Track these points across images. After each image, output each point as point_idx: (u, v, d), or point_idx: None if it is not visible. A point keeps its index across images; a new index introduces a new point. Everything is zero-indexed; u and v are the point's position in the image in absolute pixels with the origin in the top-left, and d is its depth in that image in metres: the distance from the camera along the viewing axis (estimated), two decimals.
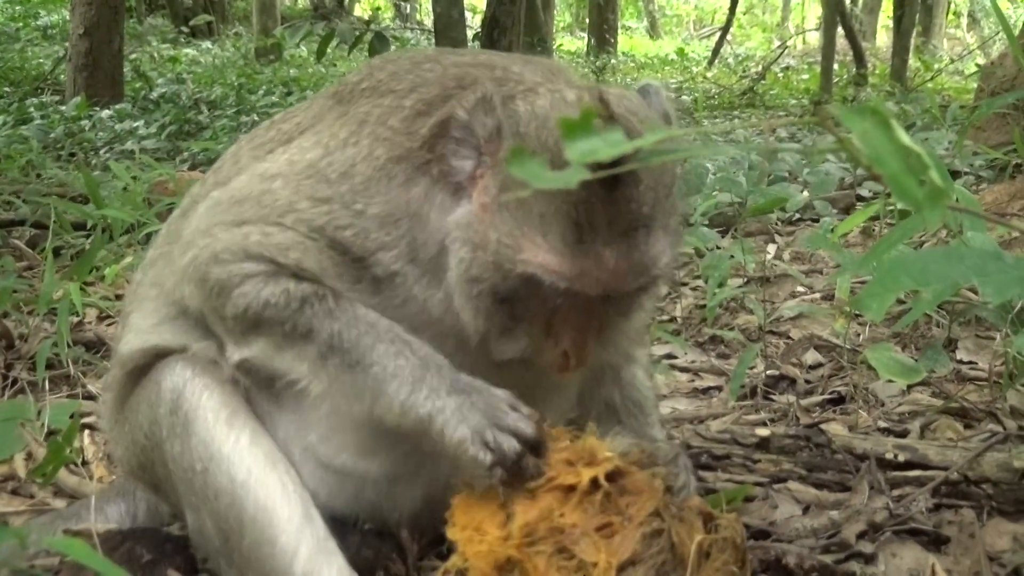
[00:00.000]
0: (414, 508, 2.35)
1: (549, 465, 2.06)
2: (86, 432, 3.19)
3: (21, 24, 21.34)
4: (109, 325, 4.32)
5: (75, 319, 4.02)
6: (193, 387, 2.26)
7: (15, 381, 3.63)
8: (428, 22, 19.00)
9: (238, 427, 2.23)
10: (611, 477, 2.05)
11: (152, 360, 2.38)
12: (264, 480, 2.19)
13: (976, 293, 3.99)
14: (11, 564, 2.32)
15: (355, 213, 2.18)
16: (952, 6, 33.61)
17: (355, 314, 2.18)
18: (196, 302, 2.29)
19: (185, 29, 21.40)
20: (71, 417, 3.14)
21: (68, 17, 12.53)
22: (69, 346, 3.74)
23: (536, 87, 2.14)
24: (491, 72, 2.24)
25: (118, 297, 4.53)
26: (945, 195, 1.26)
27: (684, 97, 16.20)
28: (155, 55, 17.06)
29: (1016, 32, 8.72)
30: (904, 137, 1.28)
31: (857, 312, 4.04)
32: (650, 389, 2.67)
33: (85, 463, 3.12)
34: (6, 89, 12.20)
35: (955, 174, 6.70)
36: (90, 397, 3.53)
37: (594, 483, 2.03)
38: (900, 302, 4.06)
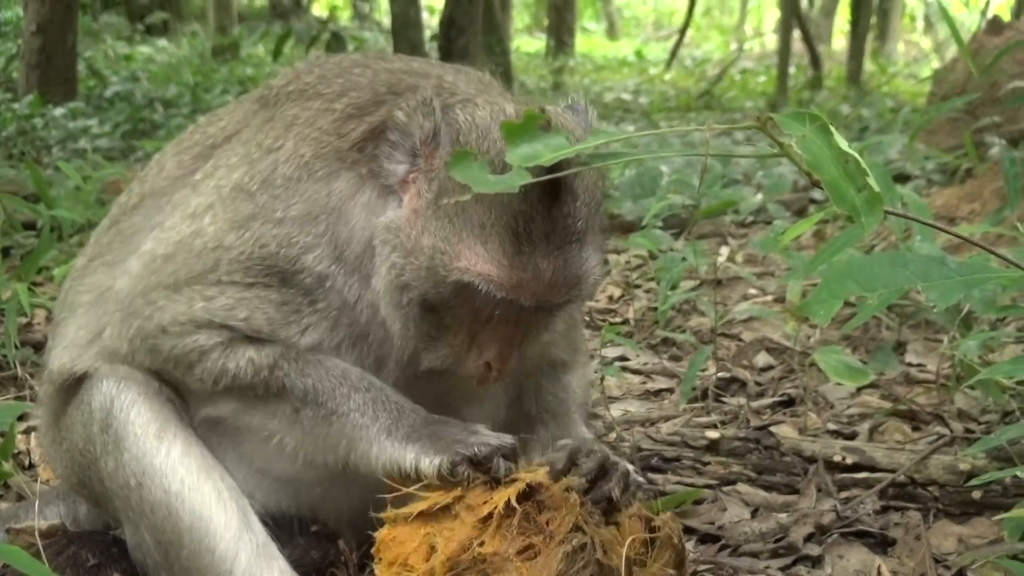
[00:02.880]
0: (353, 508, 2.33)
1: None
2: (32, 435, 3.15)
3: None
4: None
5: (23, 320, 3.98)
6: (121, 403, 2.24)
7: None
8: (386, 22, 18.92)
9: (168, 439, 2.22)
10: (527, 495, 2.05)
11: (83, 376, 2.35)
12: (198, 489, 2.19)
13: (922, 296, 4.04)
14: None
15: (276, 222, 2.17)
16: (907, 10, 33.93)
17: (325, 367, 2.20)
18: (152, 366, 2.28)
19: (140, 26, 21.23)
20: (21, 418, 3.11)
21: (21, 14, 12.36)
22: (16, 347, 3.71)
23: (473, 98, 2.14)
24: (425, 80, 2.23)
25: None
26: (881, 201, 1.28)
27: (641, 100, 16.28)
28: (110, 53, 16.91)
29: (968, 37, 8.81)
30: (843, 143, 1.29)
31: (805, 316, 4.08)
32: (578, 393, 2.64)
33: (32, 465, 3.08)
34: None
35: (906, 177, 6.76)
36: (37, 400, 3.50)
37: (510, 505, 2.03)
38: (850, 305, 4.10)
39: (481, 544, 2.03)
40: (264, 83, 2.51)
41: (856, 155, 1.25)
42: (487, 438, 2.08)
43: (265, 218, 2.17)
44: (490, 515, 2.03)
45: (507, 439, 2.09)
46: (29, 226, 5.37)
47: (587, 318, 4.43)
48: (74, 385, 2.36)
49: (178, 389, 2.30)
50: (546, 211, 1.97)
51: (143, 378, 2.28)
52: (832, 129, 1.28)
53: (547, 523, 2.05)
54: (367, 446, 2.15)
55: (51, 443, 2.53)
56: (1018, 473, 2.36)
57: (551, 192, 1.95)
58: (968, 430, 3.13)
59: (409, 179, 2.10)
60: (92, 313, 2.39)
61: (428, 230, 2.04)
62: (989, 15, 11.93)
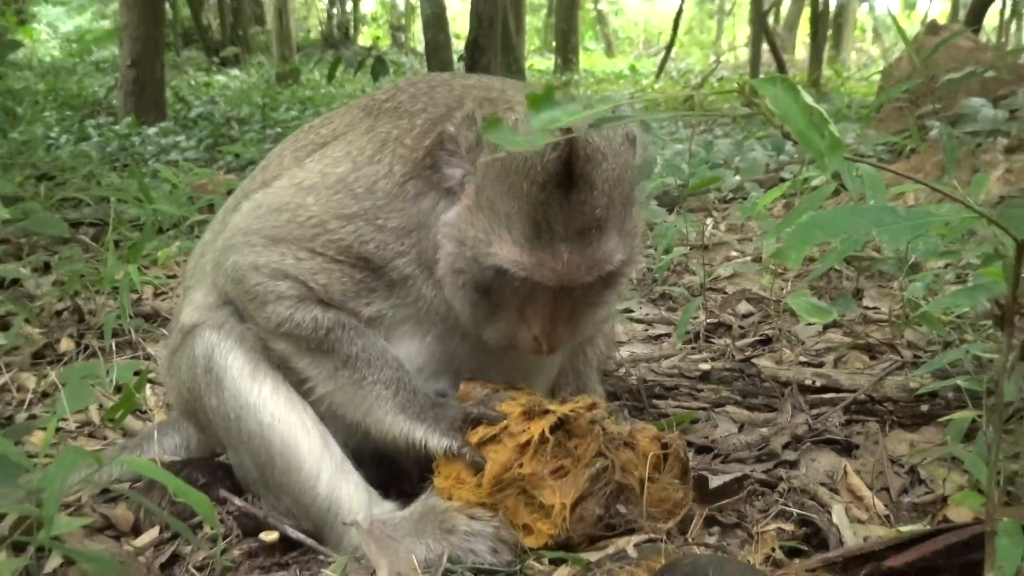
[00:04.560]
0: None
1: (508, 414, 2.14)
2: (147, 386, 3.20)
3: (77, 59, 21.19)
4: (163, 300, 4.34)
5: (134, 296, 4.03)
6: (220, 350, 2.28)
7: (87, 347, 3.64)
8: (420, 47, 18.90)
9: (259, 380, 2.26)
10: (558, 425, 2.11)
11: (193, 328, 2.39)
12: (286, 420, 2.22)
13: (879, 252, 4.05)
14: (91, 484, 2.36)
15: (377, 228, 2.18)
16: (859, 24, 33.60)
17: (370, 341, 2.23)
18: (231, 293, 2.32)
19: (216, 59, 21.25)
20: (136, 374, 3.17)
21: (117, 52, 12.41)
22: (131, 317, 3.77)
23: (515, 105, 2.13)
24: (486, 93, 2.24)
25: (169, 277, 4.57)
26: (841, 144, 1.30)
27: (636, 106, 16.20)
28: (192, 81, 16.98)
29: (911, 40, 8.77)
30: (807, 99, 1.32)
31: (780, 271, 4.09)
32: (598, 351, 2.66)
33: (147, 411, 3.14)
34: (68, 113, 12.12)
35: (860, 157, 6.75)
36: (149, 358, 3.55)
37: (544, 434, 2.08)
38: (813, 260, 4.13)
39: (520, 465, 2.09)
40: (370, 95, 2.49)
41: (819, 108, 1.28)
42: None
43: (367, 220, 2.18)
44: (528, 442, 2.09)
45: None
46: (134, 222, 5.42)
47: None
48: (189, 334, 2.38)
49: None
50: (564, 201, 1.95)
51: (239, 329, 2.31)
52: (798, 88, 1.30)
53: (575, 448, 2.11)
54: (383, 414, 2.20)
55: (168, 379, 2.57)
56: (959, 382, 2.40)
57: (568, 183, 1.94)
58: (916, 356, 3.15)
59: (464, 182, 2.10)
60: (210, 265, 2.42)
61: (472, 223, 2.05)
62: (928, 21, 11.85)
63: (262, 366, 2.28)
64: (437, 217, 2.16)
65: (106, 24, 24.89)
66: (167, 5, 16.95)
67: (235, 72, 20.28)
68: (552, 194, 1.95)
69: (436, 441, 2.15)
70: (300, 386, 2.29)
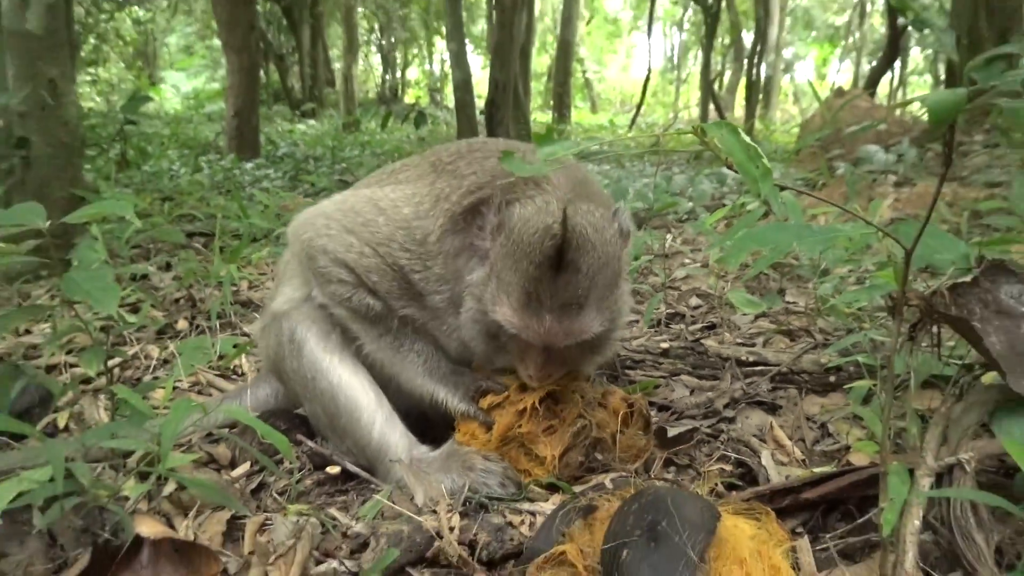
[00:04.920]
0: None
1: (509, 387, 2.14)
2: (243, 356, 3.20)
3: (194, 112, 21.23)
4: (255, 291, 4.33)
5: (234, 288, 4.02)
6: (302, 327, 2.27)
7: (198, 327, 3.64)
8: (451, 104, 18.90)
9: (330, 351, 2.24)
10: (546, 396, 2.11)
11: (283, 313, 2.37)
12: (349, 382, 2.21)
13: (797, 260, 4.03)
14: (199, 427, 2.35)
15: (425, 267, 2.15)
16: (782, 89, 33.53)
17: (405, 323, 2.21)
18: (303, 262, 2.28)
19: (297, 112, 21.26)
20: (234, 347, 3.16)
21: (224, 106, 12.44)
22: (231, 304, 3.77)
23: (535, 197, 2.05)
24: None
25: (260, 274, 4.56)
26: (770, 173, 1.28)
27: (614, 149, 16.10)
28: (279, 128, 16.97)
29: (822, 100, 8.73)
30: (746, 138, 1.30)
31: (722, 274, 4.06)
32: None
33: (243, 374, 3.13)
34: (186, 151, 12.14)
35: (784, 186, 6.72)
36: (244, 335, 3.55)
37: (535, 403, 2.09)
38: (747, 266, 4.10)
39: (520, 426, 2.10)
40: (436, 151, 2.39)
41: (754, 145, 1.26)
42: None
43: (419, 259, 2.15)
44: (525, 408, 2.10)
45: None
46: (234, 233, 5.42)
47: None
48: (279, 315, 2.37)
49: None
50: (552, 279, 1.90)
51: (316, 315, 2.29)
52: (739, 130, 1.28)
53: (561, 412, 2.11)
54: (413, 375, 2.20)
55: (261, 343, 2.55)
56: (859, 359, 2.38)
57: (558, 265, 1.89)
58: (826, 339, 3.12)
59: (490, 251, 2.05)
60: (298, 279, 2.40)
61: (487, 286, 2.02)
62: (836, 87, 11.79)
63: (332, 341, 2.26)
64: (467, 275, 2.11)
65: (216, 85, 24.92)
66: (262, 72, 16.98)
67: (312, 122, 20.27)
68: (544, 273, 1.90)
69: (455, 404, 2.16)
70: (358, 356, 2.26)
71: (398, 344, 2.21)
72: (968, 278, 1.67)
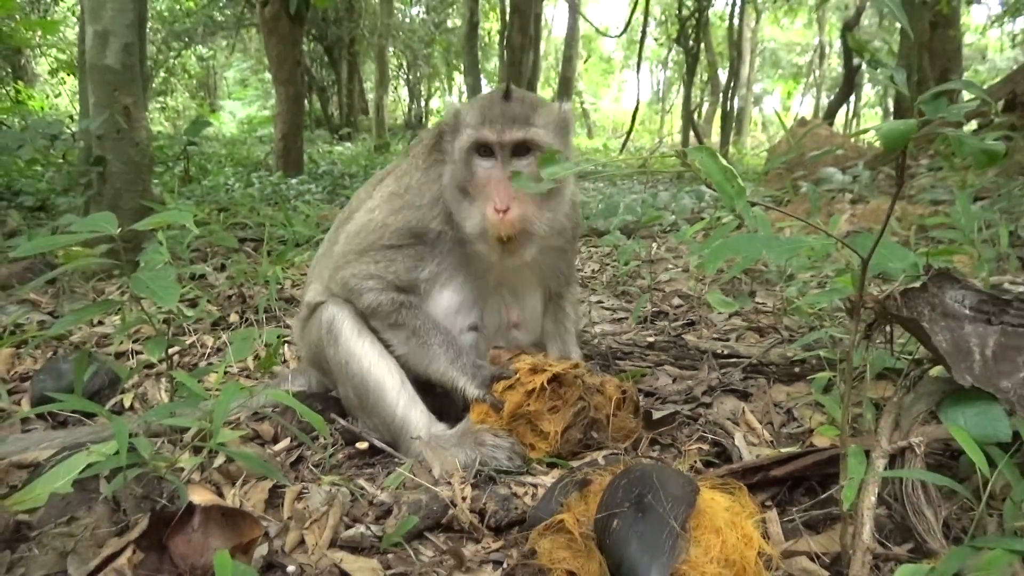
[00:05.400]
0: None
1: (520, 372, 2.11)
2: (285, 345, 3.18)
3: (247, 135, 21.26)
4: (297, 289, 4.30)
5: (279, 286, 4.00)
6: (339, 318, 2.24)
7: (247, 319, 3.61)
8: None
9: (363, 339, 2.21)
10: (553, 379, 2.07)
11: (318, 304, 2.37)
12: (378, 366, 2.18)
13: (766, 266, 3.98)
14: (246, 407, 2.32)
15: (416, 207, 2.19)
16: (752, 119, 33.40)
17: (428, 316, 2.20)
18: (342, 295, 2.27)
19: (336, 136, 21.26)
20: (278, 338, 3.14)
21: (273, 130, 12.44)
22: (276, 300, 3.74)
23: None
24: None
25: (302, 275, 4.54)
26: (744, 192, 1.25)
27: (607, 169, 16.02)
28: (319, 149, 16.95)
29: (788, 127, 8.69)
30: (723, 161, 1.26)
31: (700, 278, 4.02)
32: (572, 320, 2.57)
33: (285, 361, 3.11)
34: (239, 169, 12.14)
35: (755, 203, 6.67)
36: (287, 327, 3.52)
37: (543, 385, 2.06)
38: (722, 271, 4.05)
39: (528, 405, 2.06)
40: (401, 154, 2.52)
41: (731, 167, 1.22)
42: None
43: (410, 205, 2.19)
44: (533, 390, 2.06)
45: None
46: (280, 239, 5.40)
47: (581, 283, 4.38)
48: (316, 308, 2.36)
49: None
50: (501, 103, 2.07)
51: (349, 306, 2.27)
52: (716, 153, 1.25)
53: (564, 394, 2.08)
54: (438, 366, 2.16)
55: (300, 338, 2.54)
56: (820, 353, 2.33)
57: (506, 97, 2.08)
58: (791, 335, 3.07)
59: (453, 142, 2.16)
60: (326, 275, 2.39)
61: (452, 145, 2.16)
62: (799, 117, 11.72)
63: (365, 330, 2.24)
64: (445, 178, 2.20)
65: (266, 112, 24.95)
66: (305, 101, 16.99)
67: (348, 144, 20.26)
68: (494, 101, 2.08)
69: (472, 391, 2.12)
70: (387, 347, 2.24)
71: (424, 342, 2.17)
72: (918, 284, 1.63)
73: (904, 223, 4.63)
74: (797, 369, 2.67)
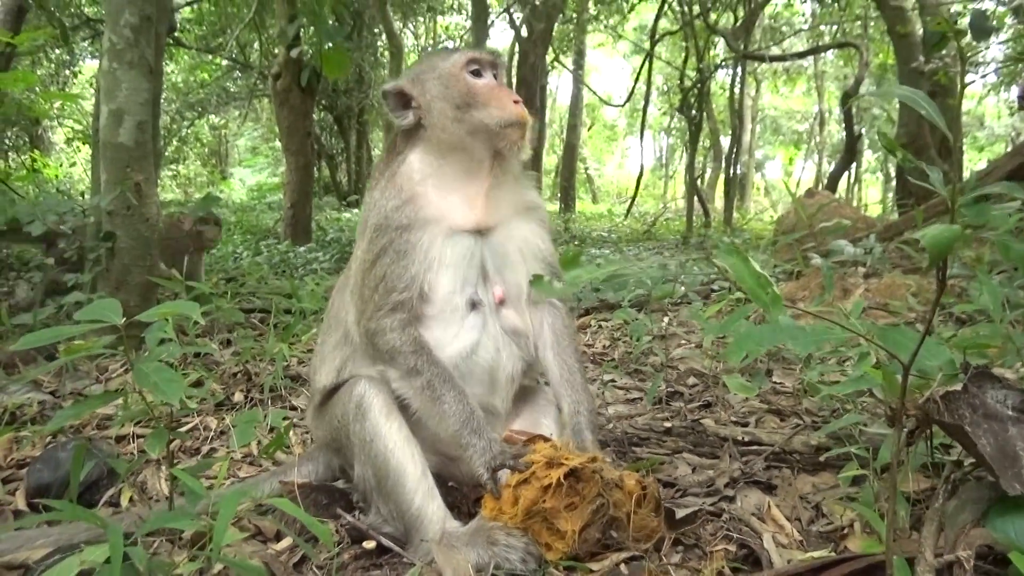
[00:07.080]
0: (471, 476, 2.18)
1: (534, 463, 2.00)
2: (292, 429, 3.09)
3: (256, 202, 21.57)
4: (304, 367, 4.23)
5: (285, 363, 3.94)
6: (368, 395, 2.15)
7: (252, 399, 3.54)
8: None
9: (391, 419, 2.12)
10: (570, 473, 1.97)
11: (335, 387, 2.29)
12: (402, 450, 2.09)
13: (783, 345, 3.90)
14: (249, 499, 2.22)
15: (385, 214, 2.18)
16: (755, 184, 33.82)
17: (440, 368, 2.11)
18: (366, 346, 2.20)
19: (344, 203, 21.51)
20: (284, 419, 3.05)
21: (282, 197, 12.62)
22: (282, 379, 3.66)
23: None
24: None
25: (309, 351, 4.47)
26: (780, 300, 1.20)
27: (612, 235, 16.15)
28: (328, 217, 17.15)
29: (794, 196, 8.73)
30: (755, 265, 1.22)
31: (715, 355, 3.94)
32: (569, 330, 2.40)
33: (290, 447, 3.02)
34: (248, 236, 12.27)
35: (790, 304, 6.64)
36: (294, 409, 3.44)
37: (560, 480, 1.96)
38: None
39: (544, 501, 1.96)
40: None
41: (765, 274, 1.17)
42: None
43: (380, 214, 2.20)
44: (550, 485, 1.96)
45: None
46: (287, 311, 5.36)
47: (590, 362, 4.30)
48: (332, 391, 2.29)
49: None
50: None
51: (380, 385, 2.18)
52: (748, 258, 1.20)
53: (582, 490, 1.97)
54: (451, 422, 2.05)
55: (314, 421, 2.45)
56: (852, 450, 2.23)
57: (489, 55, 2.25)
58: (814, 421, 2.98)
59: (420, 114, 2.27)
60: (338, 351, 2.33)
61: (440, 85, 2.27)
62: (804, 187, 11.81)
63: (394, 411, 2.14)
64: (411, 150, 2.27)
65: (276, 180, 25.34)
66: (315, 169, 17.29)
67: (356, 211, 20.49)
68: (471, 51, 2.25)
69: (478, 467, 2.02)
70: (411, 427, 2.14)
71: (437, 396, 2.07)
72: (958, 386, 1.55)
73: (919, 298, 4.57)
74: (822, 458, 2.57)
